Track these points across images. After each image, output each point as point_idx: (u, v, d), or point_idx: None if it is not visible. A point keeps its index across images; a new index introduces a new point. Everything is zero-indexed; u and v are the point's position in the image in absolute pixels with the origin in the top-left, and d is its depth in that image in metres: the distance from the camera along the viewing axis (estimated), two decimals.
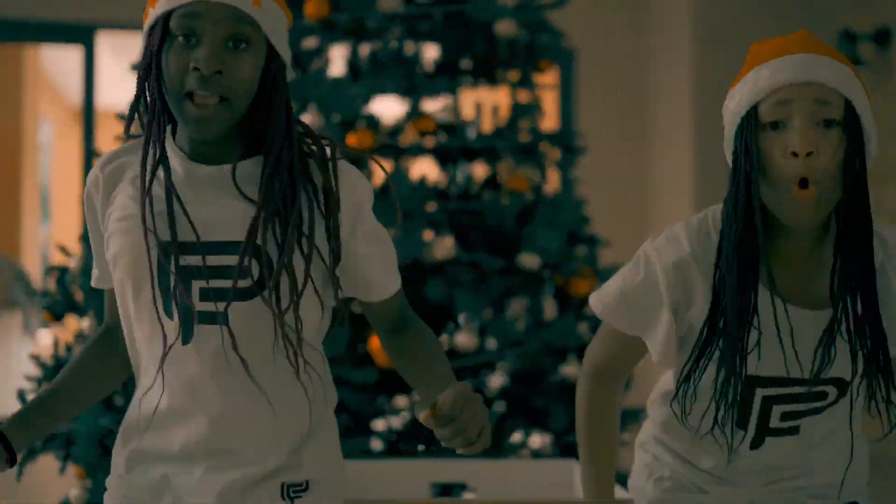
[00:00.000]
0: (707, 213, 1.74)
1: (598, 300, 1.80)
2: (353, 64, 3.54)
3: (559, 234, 3.41)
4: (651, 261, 1.73)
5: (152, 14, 1.58)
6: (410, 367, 1.69)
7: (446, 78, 3.52)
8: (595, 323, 3.30)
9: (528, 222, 3.46)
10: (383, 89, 3.39)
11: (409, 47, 3.52)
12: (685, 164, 6.56)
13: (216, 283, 1.55)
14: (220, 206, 1.58)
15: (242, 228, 1.55)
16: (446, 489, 2.85)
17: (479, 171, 3.70)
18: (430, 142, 3.57)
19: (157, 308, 1.55)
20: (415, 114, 3.45)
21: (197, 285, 1.57)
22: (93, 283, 1.74)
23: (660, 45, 6.85)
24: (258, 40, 1.58)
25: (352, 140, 3.34)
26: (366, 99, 3.38)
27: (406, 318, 1.74)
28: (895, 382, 1.68)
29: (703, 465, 1.81)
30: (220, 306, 1.55)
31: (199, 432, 1.59)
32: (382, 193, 3.21)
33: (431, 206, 3.29)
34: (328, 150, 1.64)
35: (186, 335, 1.57)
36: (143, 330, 1.60)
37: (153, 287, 1.55)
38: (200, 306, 1.57)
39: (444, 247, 3.24)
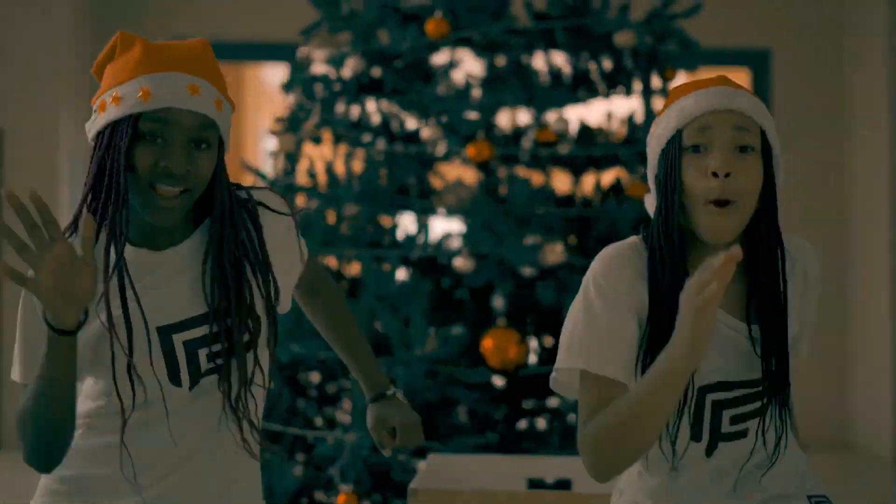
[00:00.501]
0: (627, 242, 1.82)
1: (565, 361, 1.77)
2: (478, 76, 3.74)
3: None
4: (598, 283, 1.76)
5: (115, 111, 1.74)
6: (331, 334, 2.10)
7: (568, 89, 3.66)
8: None
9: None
10: (504, 101, 3.57)
11: (530, 59, 3.68)
12: (883, 168, 6.41)
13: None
14: (184, 288, 1.80)
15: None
16: (539, 484, 3.00)
17: (607, 178, 3.82)
18: (559, 150, 3.71)
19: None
20: (536, 124, 3.60)
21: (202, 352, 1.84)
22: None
23: (854, 45, 6.72)
24: (215, 138, 1.77)
25: (471, 151, 3.54)
26: (487, 111, 3.57)
27: (320, 282, 2.08)
28: (788, 406, 1.79)
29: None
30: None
31: None
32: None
33: (545, 213, 3.44)
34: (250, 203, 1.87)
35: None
36: None
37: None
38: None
39: (554, 252, 3.39)
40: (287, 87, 3.87)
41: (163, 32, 9.08)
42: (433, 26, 3.57)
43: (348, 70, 3.70)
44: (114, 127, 1.74)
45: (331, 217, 3.57)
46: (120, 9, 9.09)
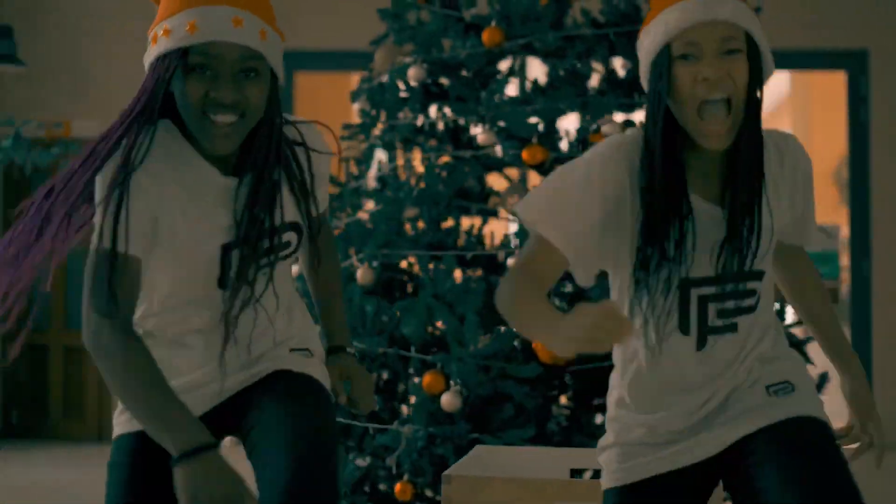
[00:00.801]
0: (632, 133, 1.95)
1: (527, 205, 1.90)
2: (533, 83, 3.89)
3: None
4: (586, 158, 1.91)
5: (165, 44, 1.85)
6: (319, 291, 2.26)
7: (623, 94, 3.77)
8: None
9: None
10: (560, 107, 3.71)
11: (586, 65, 3.81)
12: None
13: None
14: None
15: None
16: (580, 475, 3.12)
17: None
18: None
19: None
20: (587, 129, 3.73)
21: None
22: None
23: None
24: (264, 68, 1.87)
25: (525, 155, 3.68)
26: (543, 116, 3.71)
27: (329, 244, 2.25)
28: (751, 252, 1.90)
29: (671, 409, 1.97)
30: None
31: None
32: None
33: None
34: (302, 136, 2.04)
35: None
36: None
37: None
38: None
39: None
40: (355, 95, 4.07)
41: None
42: (488, 35, 3.73)
43: (412, 78, 3.88)
44: (164, 58, 1.85)
45: (393, 220, 3.75)
46: None
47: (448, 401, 3.47)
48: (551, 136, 3.77)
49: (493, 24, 3.80)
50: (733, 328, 1.94)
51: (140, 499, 1.98)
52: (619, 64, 3.94)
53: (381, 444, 3.58)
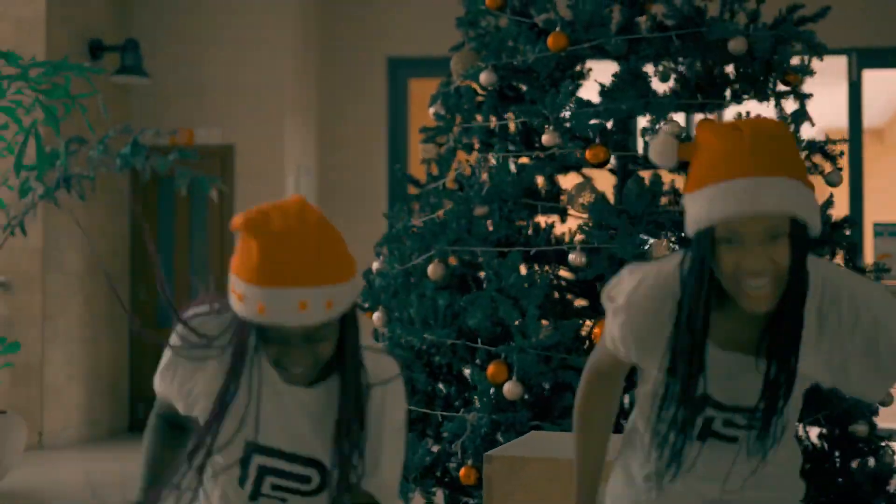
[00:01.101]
0: (664, 268, 2.02)
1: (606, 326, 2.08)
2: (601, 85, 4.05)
3: None
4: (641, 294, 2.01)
5: (241, 309, 1.93)
6: None
7: (685, 95, 3.91)
8: None
9: None
10: (622, 109, 3.87)
11: (649, 67, 3.95)
12: None
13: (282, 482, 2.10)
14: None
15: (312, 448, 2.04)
16: None
17: None
18: None
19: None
20: (650, 130, 3.87)
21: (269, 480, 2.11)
22: None
23: None
24: (332, 333, 1.94)
25: (588, 155, 3.85)
26: (605, 118, 3.87)
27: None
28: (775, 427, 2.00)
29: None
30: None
31: None
32: None
33: (655, 210, 3.71)
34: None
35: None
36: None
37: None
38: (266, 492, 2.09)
39: (661, 247, 3.65)
40: (433, 100, 4.30)
41: (377, 50, 9.76)
42: (553, 40, 3.91)
43: (484, 83, 4.09)
44: (252, 325, 1.96)
45: (464, 218, 3.96)
46: (339, 31, 9.81)
47: (510, 389, 3.66)
48: (619, 135, 3.92)
49: (558, 28, 3.97)
50: (734, 440, 2.08)
51: None
52: (677, 66, 4.07)
53: (450, 431, 3.79)
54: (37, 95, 6.05)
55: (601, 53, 4.02)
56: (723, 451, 2.08)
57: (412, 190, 4.52)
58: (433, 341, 3.90)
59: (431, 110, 4.31)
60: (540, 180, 4.02)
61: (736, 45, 3.92)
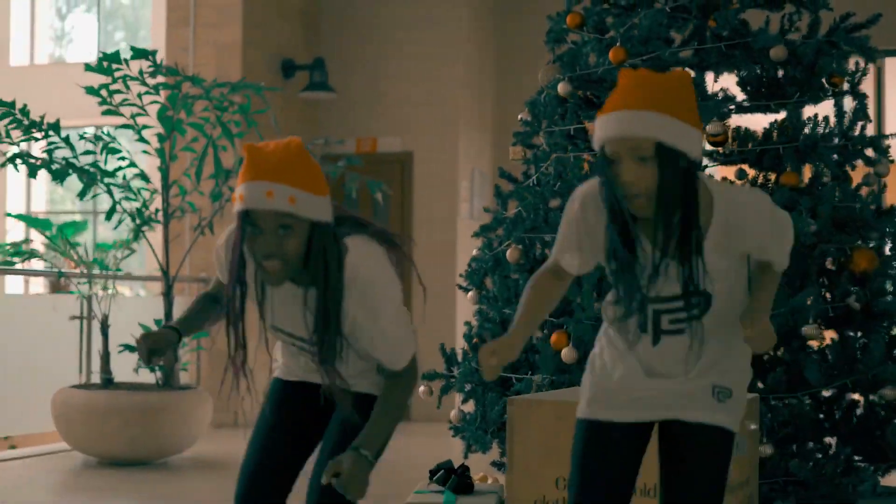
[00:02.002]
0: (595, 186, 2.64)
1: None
2: None
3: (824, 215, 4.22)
4: (572, 201, 2.67)
5: (236, 206, 2.52)
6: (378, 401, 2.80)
7: (732, 100, 4.48)
8: None
9: (793, 208, 4.30)
10: None
11: (700, 76, 4.54)
12: None
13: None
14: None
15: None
16: None
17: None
18: (722, 150, 4.54)
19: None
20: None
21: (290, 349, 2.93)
22: None
23: None
24: (297, 222, 2.49)
25: None
26: None
27: (394, 388, 2.78)
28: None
29: (627, 360, 2.75)
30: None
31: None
32: None
33: None
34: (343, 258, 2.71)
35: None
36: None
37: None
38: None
39: None
40: (527, 105, 5.01)
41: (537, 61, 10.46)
42: (613, 54, 4.56)
43: (561, 92, 4.77)
44: (238, 215, 2.55)
45: (539, 210, 4.65)
46: (512, 40, 10.58)
47: (567, 354, 4.33)
48: None
49: (618, 44, 4.62)
50: (681, 332, 2.63)
51: (278, 416, 3.00)
52: (724, 74, 4.63)
53: (517, 391, 4.49)
54: (216, 113, 7.08)
55: (660, 62, 4.63)
56: (675, 344, 2.61)
57: (505, 187, 5.23)
58: (510, 315, 4.61)
59: (520, 117, 5.01)
60: None
61: (776, 52, 4.46)
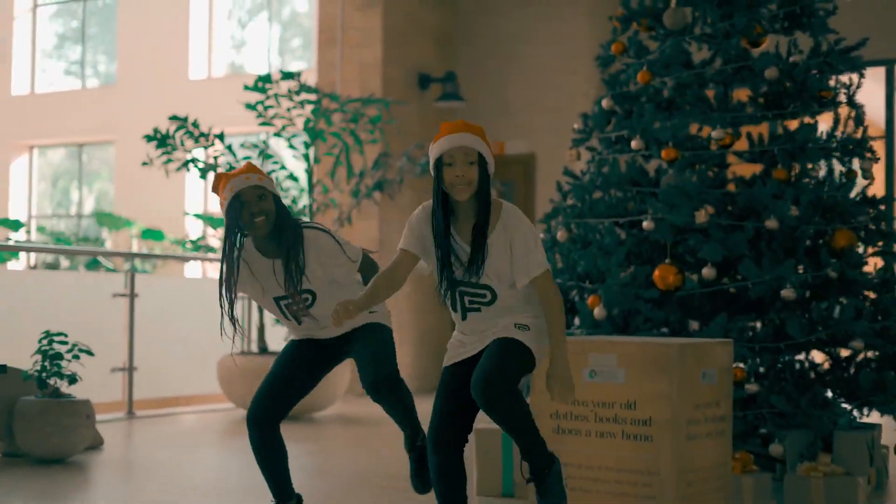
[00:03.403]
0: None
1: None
2: (670, 101, 5.91)
3: (805, 202, 5.44)
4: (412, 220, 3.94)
5: (228, 194, 3.97)
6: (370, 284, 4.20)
7: (741, 110, 5.72)
8: None
9: (780, 197, 5.53)
10: (688, 122, 5.74)
11: (708, 90, 5.78)
12: None
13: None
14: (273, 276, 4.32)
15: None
16: None
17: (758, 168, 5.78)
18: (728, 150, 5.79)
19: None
20: (719, 138, 5.72)
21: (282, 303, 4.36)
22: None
23: None
24: (267, 193, 3.97)
25: (663, 154, 5.75)
26: (678, 129, 5.76)
27: (370, 266, 4.40)
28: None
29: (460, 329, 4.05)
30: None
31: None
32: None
33: (703, 190, 5.57)
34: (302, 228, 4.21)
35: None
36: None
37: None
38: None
39: (702, 215, 5.49)
40: (580, 116, 6.33)
41: None
42: (640, 76, 5.85)
43: (604, 106, 6.09)
44: (229, 201, 4.13)
45: (585, 199, 5.98)
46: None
47: (598, 313, 5.64)
48: (678, 139, 5.80)
49: (645, 68, 5.90)
50: (478, 310, 3.87)
51: (288, 359, 4.41)
52: (726, 90, 5.87)
53: None
54: (351, 126, 8.62)
55: (680, 80, 5.89)
56: (477, 318, 3.87)
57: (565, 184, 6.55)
58: (561, 284, 5.95)
59: (575, 126, 6.34)
60: (636, 170, 5.96)
61: (770, 73, 5.67)
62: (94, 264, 18.06)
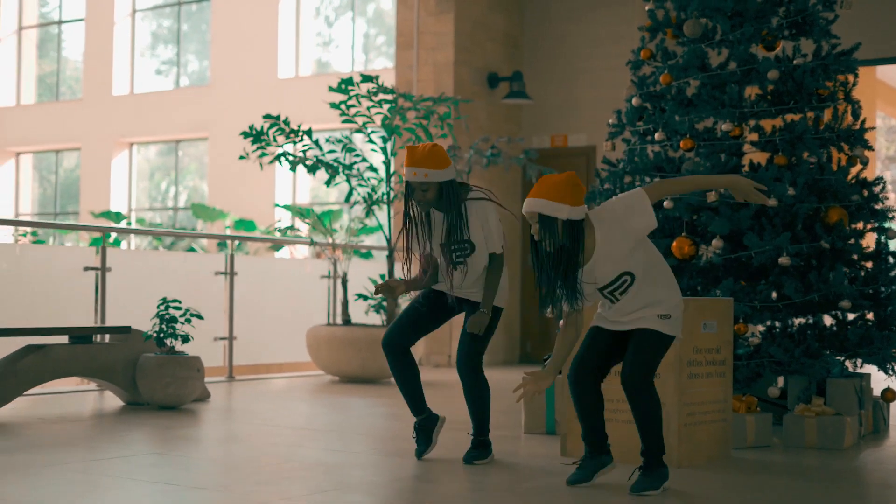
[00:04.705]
0: None
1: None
2: (689, 99, 6.99)
3: (800, 184, 6.49)
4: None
5: (406, 178, 5.20)
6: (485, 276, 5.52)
7: (753, 105, 6.79)
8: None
9: (779, 180, 6.59)
10: (703, 116, 6.81)
11: (723, 88, 6.86)
12: None
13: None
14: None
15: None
16: None
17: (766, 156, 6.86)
18: (740, 140, 6.86)
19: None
20: (727, 130, 6.78)
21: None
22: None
23: None
24: (431, 184, 5.06)
25: (682, 144, 6.82)
26: (695, 120, 6.84)
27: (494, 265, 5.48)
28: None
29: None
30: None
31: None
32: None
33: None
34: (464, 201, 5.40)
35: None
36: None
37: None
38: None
39: (711, 194, 6.57)
40: (615, 112, 7.43)
41: None
42: (663, 78, 6.93)
43: (634, 104, 7.19)
44: (405, 186, 5.36)
45: (616, 184, 7.09)
46: None
47: None
48: (695, 132, 6.88)
49: (666, 71, 6.98)
50: (617, 299, 4.91)
51: (422, 302, 5.60)
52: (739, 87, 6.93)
53: None
54: (423, 122, 9.79)
55: (696, 79, 6.97)
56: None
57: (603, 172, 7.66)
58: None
59: (609, 121, 7.44)
60: (662, 158, 7.05)
61: (772, 74, 6.72)
62: (189, 252, 19.54)
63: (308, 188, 22.22)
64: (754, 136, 7.08)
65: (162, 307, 7.80)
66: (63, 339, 7.76)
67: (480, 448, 5.41)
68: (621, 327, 4.79)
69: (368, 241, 17.66)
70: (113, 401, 8.10)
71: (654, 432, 4.68)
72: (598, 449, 4.86)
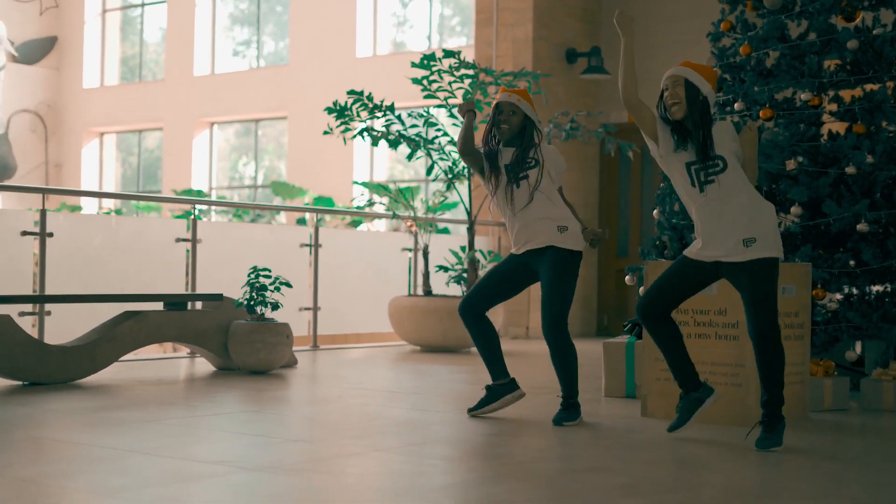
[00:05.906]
0: None
1: None
2: (768, 70, 7.10)
3: (878, 151, 6.59)
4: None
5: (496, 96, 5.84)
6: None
7: (831, 76, 6.89)
8: None
9: (858, 148, 6.70)
10: (782, 87, 6.93)
11: (800, 60, 6.97)
12: None
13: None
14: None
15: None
16: None
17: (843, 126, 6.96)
18: (819, 110, 6.97)
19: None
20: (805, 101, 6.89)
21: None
22: None
23: None
24: (519, 111, 5.58)
25: (761, 113, 6.95)
26: (774, 93, 6.96)
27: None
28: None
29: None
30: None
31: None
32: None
33: (797, 146, 6.76)
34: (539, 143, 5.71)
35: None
36: None
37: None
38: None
39: (790, 164, 6.69)
40: None
41: None
42: (742, 49, 7.05)
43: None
44: (493, 106, 5.71)
45: None
46: None
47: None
48: (774, 102, 7.00)
49: (746, 42, 7.10)
50: (712, 181, 5.13)
51: (498, 273, 5.80)
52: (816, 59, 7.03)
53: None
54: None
55: (776, 50, 7.08)
56: (712, 189, 5.11)
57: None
58: (677, 222, 7.21)
59: None
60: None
61: (851, 44, 6.81)
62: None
63: (385, 166, 22.51)
64: (833, 106, 7.17)
65: (252, 276, 8.10)
66: (158, 306, 8.10)
67: (570, 410, 5.54)
68: (715, 253, 4.89)
69: (447, 216, 17.93)
70: (205, 366, 8.43)
71: (778, 380, 4.82)
72: (690, 384, 5.06)
